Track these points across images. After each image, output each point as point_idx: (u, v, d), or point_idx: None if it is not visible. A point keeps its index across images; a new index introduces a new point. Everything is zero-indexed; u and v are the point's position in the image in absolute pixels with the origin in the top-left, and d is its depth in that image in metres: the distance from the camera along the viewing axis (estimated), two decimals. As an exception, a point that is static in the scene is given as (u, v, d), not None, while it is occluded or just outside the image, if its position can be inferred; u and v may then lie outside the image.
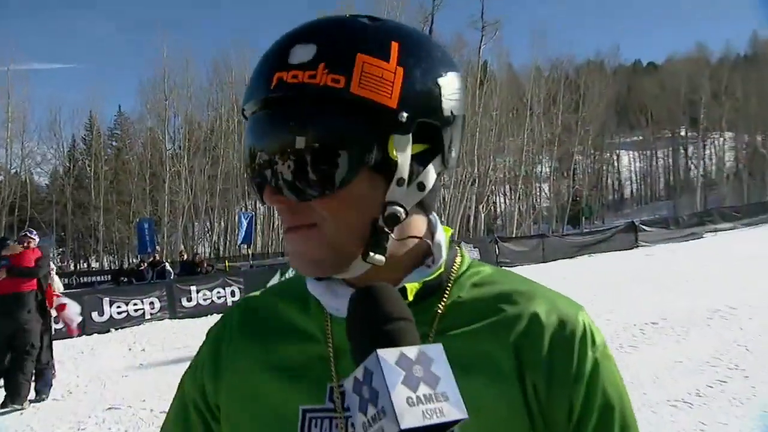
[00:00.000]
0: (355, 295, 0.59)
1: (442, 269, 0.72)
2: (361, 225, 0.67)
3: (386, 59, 0.64)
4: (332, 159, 0.63)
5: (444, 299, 0.72)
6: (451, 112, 0.68)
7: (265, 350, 0.75)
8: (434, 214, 0.76)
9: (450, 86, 0.68)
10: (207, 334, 0.84)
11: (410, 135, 0.65)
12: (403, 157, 0.66)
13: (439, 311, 0.71)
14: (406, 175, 0.66)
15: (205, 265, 16.31)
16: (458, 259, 0.76)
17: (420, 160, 0.67)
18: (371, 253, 0.67)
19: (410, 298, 0.68)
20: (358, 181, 0.64)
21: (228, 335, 0.80)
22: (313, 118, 0.63)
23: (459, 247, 0.78)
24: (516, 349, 0.68)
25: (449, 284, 0.73)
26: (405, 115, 0.64)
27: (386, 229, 0.67)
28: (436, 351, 0.53)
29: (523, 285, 0.74)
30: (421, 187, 0.68)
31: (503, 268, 0.81)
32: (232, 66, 41.76)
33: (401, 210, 0.67)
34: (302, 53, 0.64)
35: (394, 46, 0.66)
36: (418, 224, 0.72)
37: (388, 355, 0.52)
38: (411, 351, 0.52)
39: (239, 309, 0.82)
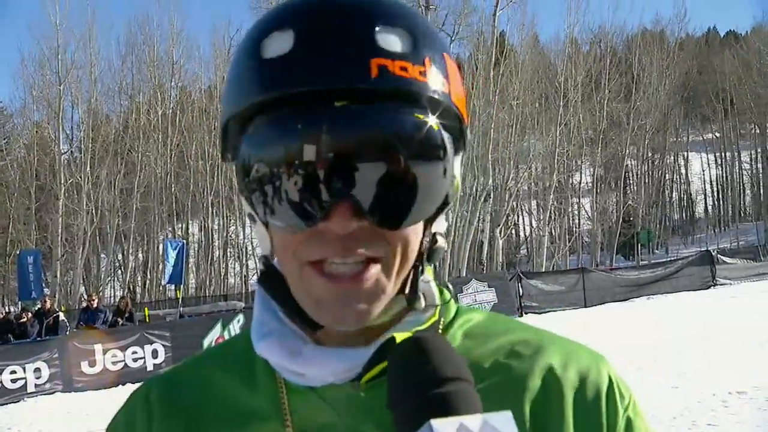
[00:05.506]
0: (399, 351, 0.64)
1: (436, 316, 0.78)
2: (411, 261, 0.72)
3: (452, 59, 0.71)
4: (436, 179, 0.68)
5: None
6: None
7: None
8: None
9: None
10: (107, 429, 0.83)
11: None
12: (458, 177, 0.73)
13: None
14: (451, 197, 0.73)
15: (127, 308, 15.83)
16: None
17: None
18: (416, 298, 0.73)
19: None
20: None
21: (143, 428, 0.79)
22: (428, 126, 0.66)
23: (442, 287, 0.84)
24: (531, 414, 0.73)
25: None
26: (467, 128, 0.72)
27: (425, 266, 0.74)
28: (503, 420, 0.56)
29: (527, 333, 0.81)
30: (446, 201, 0.73)
31: (513, 317, 0.86)
32: (154, 37, 41.92)
33: (444, 240, 0.73)
34: (396, 40, 0.66)
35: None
36: None
37: (444, 426, 0.55)
38: (473, 421, 0.56)
39: (158, 387, 0.82)
